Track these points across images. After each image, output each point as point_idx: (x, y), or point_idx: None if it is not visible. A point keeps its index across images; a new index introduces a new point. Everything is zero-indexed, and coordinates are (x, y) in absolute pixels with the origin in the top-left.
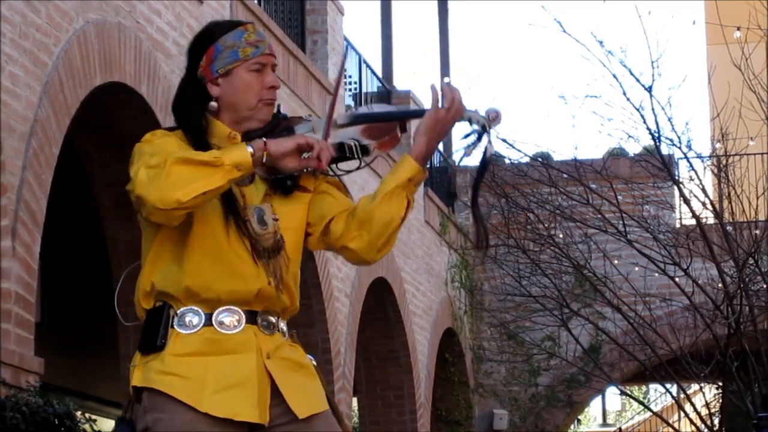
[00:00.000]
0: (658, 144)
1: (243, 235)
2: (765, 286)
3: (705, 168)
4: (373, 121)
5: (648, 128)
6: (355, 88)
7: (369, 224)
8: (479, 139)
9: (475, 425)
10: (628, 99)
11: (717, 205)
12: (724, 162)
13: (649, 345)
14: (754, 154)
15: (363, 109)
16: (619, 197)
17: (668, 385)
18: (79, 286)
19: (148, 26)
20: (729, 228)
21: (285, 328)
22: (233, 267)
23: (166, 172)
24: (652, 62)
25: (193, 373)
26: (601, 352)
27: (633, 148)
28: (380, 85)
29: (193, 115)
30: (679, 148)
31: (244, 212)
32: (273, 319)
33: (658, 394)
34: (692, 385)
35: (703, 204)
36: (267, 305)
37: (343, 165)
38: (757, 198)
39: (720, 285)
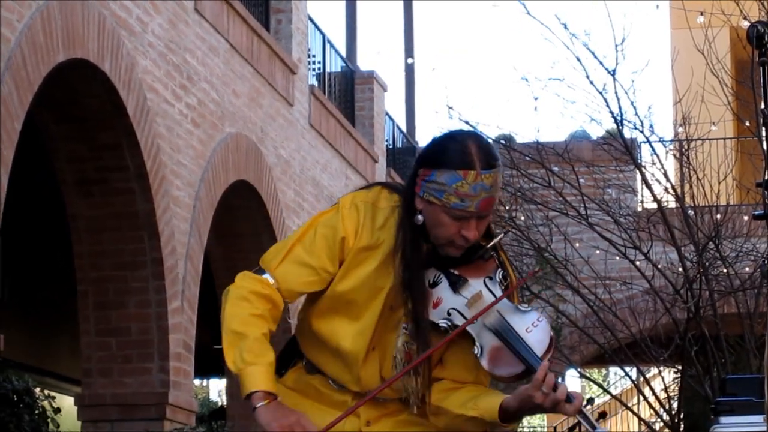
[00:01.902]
0: (620, 127)
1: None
2: (725, 270)
3: (667, 152)
4: (508, 348)
5: (611, 112)
6: (319, 68)
7: (443, 419)
8: None
9: None
10: (591, 82)
11: (678, 190)
12: (686, 146)
13: (609, 328)
14: (716, 139)
15: (512, 334)
16: (581, 180)
17: (627, 369)
18: (40, 262)
19: (111, 3)
20: (690, 212)
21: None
22: (367, 362)
23: (221, 323)
24: (616, 46)
25: (289, 403)
26: (562, 335)
27: (595, 132)
28: (344, 65)
29: (409, 207)
30: (642, 132)
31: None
32: (389, 398)
33: (618, 378)
34: (651, 368)
35: (665, 188)
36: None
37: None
38: (719, 183)
39: (680, 269)
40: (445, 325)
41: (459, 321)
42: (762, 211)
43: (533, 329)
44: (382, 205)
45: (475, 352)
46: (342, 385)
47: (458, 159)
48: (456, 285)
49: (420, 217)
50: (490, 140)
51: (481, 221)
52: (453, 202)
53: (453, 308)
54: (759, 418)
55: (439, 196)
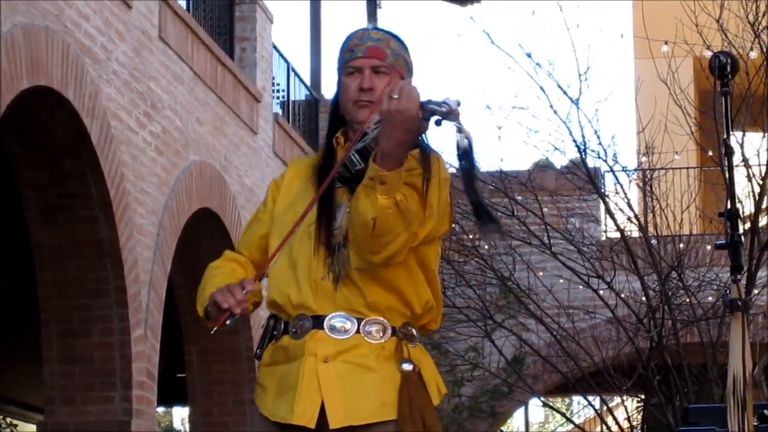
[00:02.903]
0: (584, 157)
1: (314, 236)
2: (688, 300)
3: (630, 181)
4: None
5: (574, 141)
6: (283, 96)
7: (351, 225)
8: (438, 124)
9: None
10: (554, 111)
11: (642, 219)
12: (649, 176)
13: (572, 357)
14: (679, 168)
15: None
16: (545, 209)
17: (591, 398)
18: (2, 290)
19: (75, 30)
20: (653, 241)
21: (379, 330)
22: (296, 269)
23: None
24: (580, 75)
25: (267, 382)
26: (525, 364)
27: (559, 161)
28: (308, 93)
29: (333, 124)
30: (605, 161)
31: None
32: (348, 320)
33: (581, 407)
34: (614, 397)
35: (628, 217)
36: (337, 305)
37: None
38: (682, 212)
39: (643, 298)
40: (352, 155)
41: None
42: (724, 241)
43: None
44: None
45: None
46: (305, 325)
47: (352, 32)
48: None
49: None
50: (453, 169)
51: (378, 75)
52: (347, 57)
53: (355, 149)
54: None
55: (339, 62)
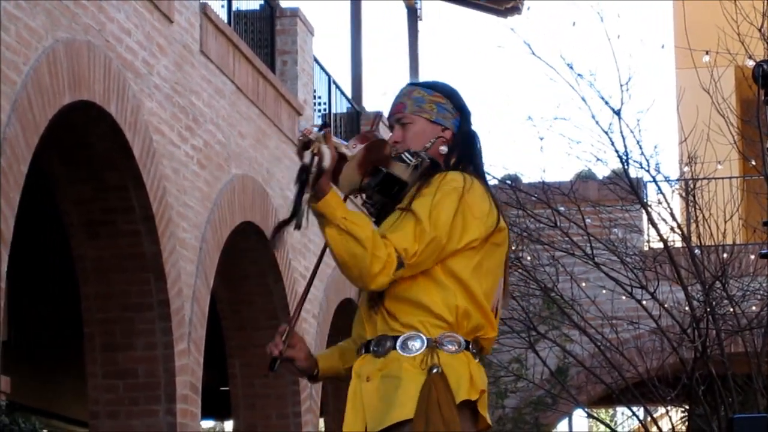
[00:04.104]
0: (626, 167)
1: None
2: (732, 309)
3: (673, 191)
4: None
5: (616, 151)
6: (325, 109)
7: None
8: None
9: None
10: (596, 122)
11: (685, 229)
12: (692, 185)
13: (616, 368)
14: (722, 178)
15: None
16: (587, 220)
17: (635, 408)
18: (46, 304)
19: (117, 45)
20: (696, 251)
21: (414, 344)
22: (361, 304)
23: None
24: (621, 85)
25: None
26: (569, 375)
27: (601, 171)
28: (349, 106)
29: None
30: (648, 171)
31: None
32: (385, 342)
33: (625, 417)
34: (659, 408)
35: (671, 227)
36: (374, 332)
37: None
38: (725, 222)
39: (687, 308)
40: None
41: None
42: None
43: None
44: None
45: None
46: (358, 356)
47: None
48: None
49: None
50: (495, 180)
51: (405, 127)
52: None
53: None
54: None
55: None
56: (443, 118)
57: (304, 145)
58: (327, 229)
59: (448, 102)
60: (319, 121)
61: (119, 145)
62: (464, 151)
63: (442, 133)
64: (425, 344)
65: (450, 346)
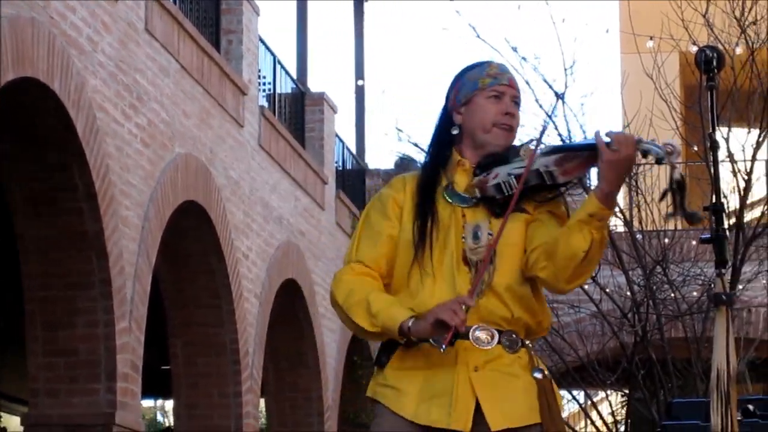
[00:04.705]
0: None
1: (455, 250)
2: (672, 294)
3: None
4: (563, 150)
5: (559, 135)
6: (269, 89)
7: (554, 256)
8: (658, 162)
9: None
10: (540, 105)
11: (627, 214)
12: (634, 170)
13: (557, 352)
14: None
15: (560, 144)
16: None
17: (575, 392)
18: None
19: (62, 22)
20: (638, 236)
21: (513, 341)
22: (443, 280)
23: (340, 311)
24: (565, 69)
25: (404, 385)
26: None
27: None
28: (294, 86)
29: (441, 147)
30: None
31: (462, 230)
32: (491, 333)
33: (566, 401)
34: (599, 392)
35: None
36: (480, 317)
37: (542, 196)
38: (667, 207)
39: (628, 293)
40: (510, 179)
41: (520, 171)
42: (709, 235)
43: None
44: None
45: (542, 170)
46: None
47: (476, 63)
48: (507, 161)
49: (455, 129)
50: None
51: (514, 106)
52: (489, 81)
53: (510, 171)
54: None
55: (474, 86)
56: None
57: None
58: (595, 232)
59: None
60: (264, 102)
61: (62, 122)
62: None
63: None
64: (520, 344)
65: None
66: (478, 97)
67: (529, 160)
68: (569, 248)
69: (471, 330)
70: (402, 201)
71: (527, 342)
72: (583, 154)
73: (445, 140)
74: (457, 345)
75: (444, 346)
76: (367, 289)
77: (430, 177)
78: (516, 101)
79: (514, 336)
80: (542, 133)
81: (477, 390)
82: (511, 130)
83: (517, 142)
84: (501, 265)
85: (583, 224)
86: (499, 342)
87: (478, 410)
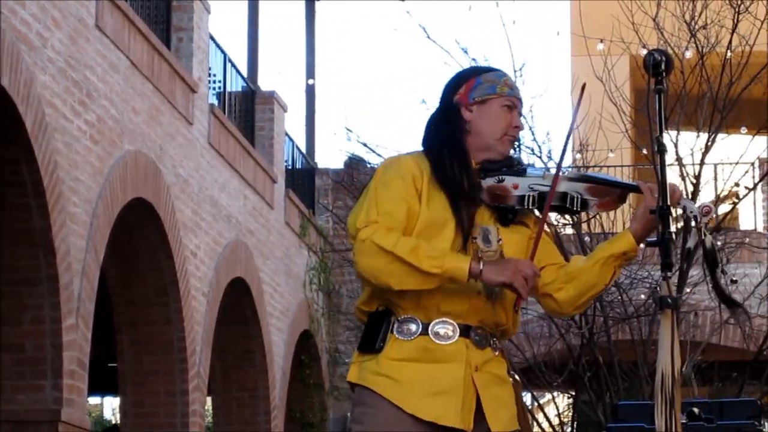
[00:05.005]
0: (518, 153)
1: (467, 250)
2: (619, 297)
3: None
4: (599, 183)
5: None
6: (219, 87)
7: (576, 281)
8: (687, 227)
9: (329, 428)
10: None
11: (575, 216)
12: (583, 173)
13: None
14: (614, 166)
15: (591, 173)
16: None
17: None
18: None
19: (11, 17)
20: (586, 239)
21: (496, 345)
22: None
23: (388, 260)
24: (515, 71)
25: (404, 377)
26: None
27: None
28: (245, 84)
29: (446, 135)
30: (539, 157)
31: (473, 230)
32: (485, 335)
33: None
34: (545, 394)
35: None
36: (481, 318)
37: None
38: (614, 210)
39: None
40: (533, 193)
41: (543, 188)
42: (655, 239)
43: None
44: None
45: (575, 195)
46: (452, 330)
47: (492, 67)
48: (520, 173)
49: (469, 125)
50: None
51: (520, 122)
52: (507, 91)
53: (531, 185)
54: None
55: (493, 89)
56: None
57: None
58: (618, 270)
59: None
60: (214, 100)
61: (11, 118)
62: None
63: None
64: (498, 348)
65: None
66: (495, 102)
67: (555, 181)
68: (596, 279)
69: (473, 329)
70: (421, 181)
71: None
72: (617, 192)
73: (460, 129)
74: (460, 342)
75: (516, 310)
76: (412, 239)
77: (468, 170)
78: (519, 114)
79: (496, 340)
80: (563, 154)
81: (480, 390)
82: (514, 142)
83: None
84: None
85: (614, 259)
86: (489, 344)
87: (476, 410)
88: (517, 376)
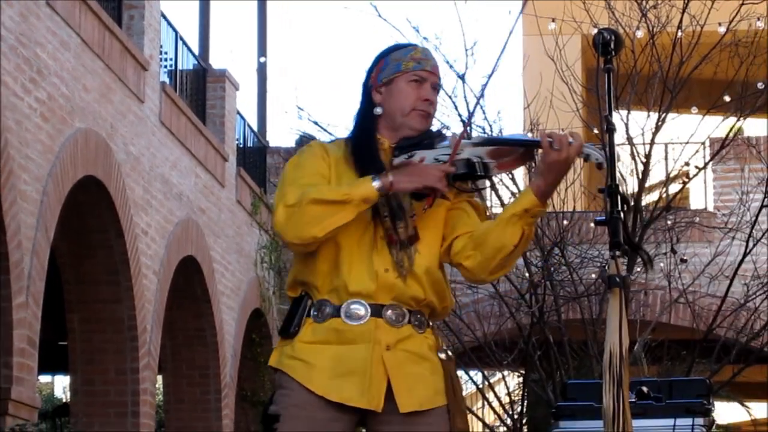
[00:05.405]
0: (469, 132)
1: (376, 227)
2: (569, 276)
3: None
4: (500, 144)
5: (460, 115)
6: (171, 66)
7: (483, 246)
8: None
9: None
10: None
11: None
12: (535, 151)
13: (454, 332)
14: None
15: (495, 136)
16: None
17: (472, 373)
18: None
19: None
20: None
21: (421, 321)
22: (360, 258)
23: (300, 211)
24: (467, 50)
25: (315, 360)
26: None
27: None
28: (196, 63)
29: (357, 120)
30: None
31: (382, 208)
32: (402, 312)
33: (463, 381)
34: (496, 372)
35: (513, 193)
36: (395, 296)
37: (465, 185)
38: (566, 189)
39: (526, 274)
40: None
41: (446, 158)
42: (604, 218)
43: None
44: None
45: (475, 161)
46: (364, 311)
47: (402, 44)
48: (431, 146)
49: (378, 109)
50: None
51: (433, 92)
52: (412, 65)
53: (436, 156)
54: (598, 423)
55: (398, 67)
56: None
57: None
58: (526, 228)
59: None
60: (165, 78)
61: None
62: None
63: None
64: (426, 325)
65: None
66: (400, 79)
67: (454, 147)
68: (500, 240)
69: (385, 308)
70: (328, 162)
71: (431, 323)
72: (519, 150)
73: (370, 116)
74: (371, 322)
75: (426, 208)
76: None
77: (371, 147)
78: (436, 88)
79: (420, 316)
80: (469, 120)
81: (389, 370)
82: (429, 116)
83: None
84: (422, 248)
85: (517, 218)
86: (408, 322)
87: (388, 390)
88: (449, 353)
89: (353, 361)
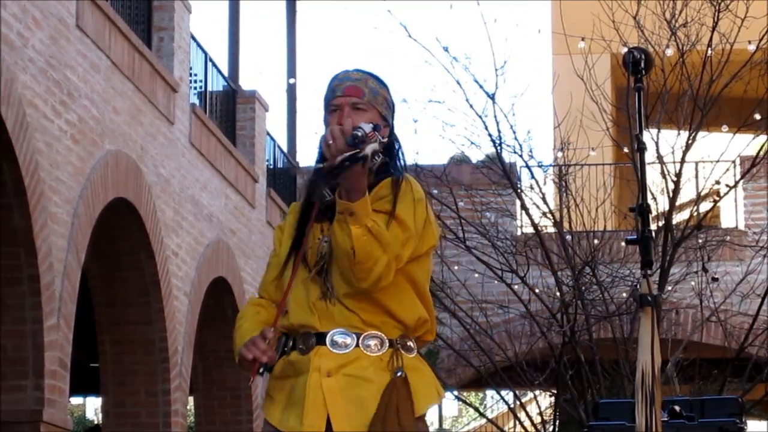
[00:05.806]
0: (499, 151)
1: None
2: (600, 295)
3: (546, 177)
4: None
5: (490, 135)
6: (201, 87)
7: (337, 260)
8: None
9: None
10: (470, 105)
11: (556, 214)
12: (564, 171)
13: (486, 352)
14: (595, 165)
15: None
16: (460, 203)
17: (504, 392)
18: None
19: None
20: (567, 237)
21: (379, 343)
22: (300, 291)
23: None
24: (496, 69)
25: (276, 394)
26: (439, 358)
27: (475, 155)
28: (225, 84)
29: (318, 157)
30: (521, 156)
31: (311, 242)
32: (346, 338)
33: (494, 401)
34: (527, 392)
35: (543, 213)
36: (335, 323)
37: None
38: (597, 208)
39: (557, 293)
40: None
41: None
42: (635, 236)
43: None
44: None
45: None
46: (309, 342)
47: (335, 75)
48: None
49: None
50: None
51: (357, 112)
52: (328, 96)
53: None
54: None
55: (324, 102)
56: (388, 114)
57: (361, 139)
58: (354, 227)
59: (390, 99)
60: (195, 100)
61: None
62: (395, 152)
63: (383, 128)
64: (386, 345)
65: (410, 349)
66: (326, 113)
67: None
68: (338, 249)
69: (328, 335)
70: (285, 226)
71: (399, 341)
72: (345, 165)
73: (320, 151)
74: (312, 352)
75: (252, 378)
76: (243, 322)
77: (306, 193)
78: (358, 106)
79: (377, 337)
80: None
81: (326, 395)
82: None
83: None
84: (334, 274)
85: (339, 223)
86: (357, 345)
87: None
88: (403, 374)
89: (298, 390)
